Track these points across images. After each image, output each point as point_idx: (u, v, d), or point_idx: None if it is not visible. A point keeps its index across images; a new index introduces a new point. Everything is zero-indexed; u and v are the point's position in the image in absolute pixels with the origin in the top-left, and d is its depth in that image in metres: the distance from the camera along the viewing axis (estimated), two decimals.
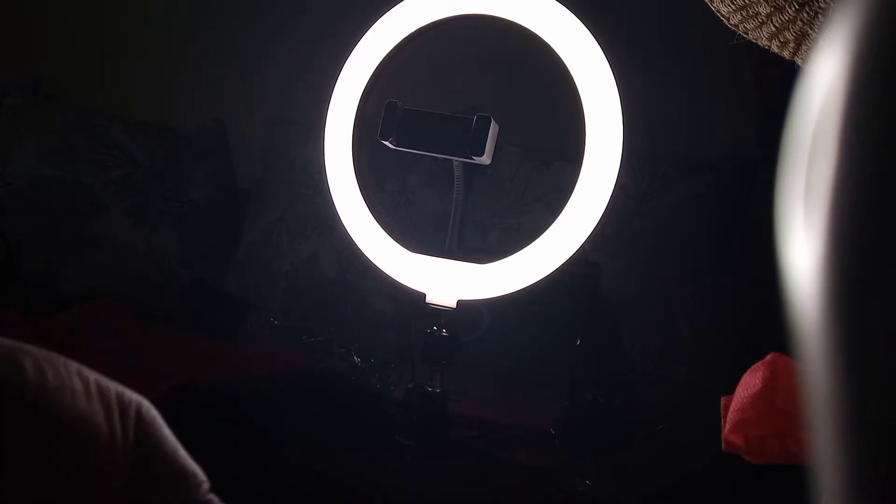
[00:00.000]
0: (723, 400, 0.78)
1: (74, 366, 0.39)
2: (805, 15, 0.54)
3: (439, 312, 1.06)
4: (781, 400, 0.73)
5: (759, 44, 0.59)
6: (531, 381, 1.28)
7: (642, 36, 1.44)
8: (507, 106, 1.30)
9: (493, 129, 1.00)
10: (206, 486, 0.42)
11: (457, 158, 1.02)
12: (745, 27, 0.58)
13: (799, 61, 0.58)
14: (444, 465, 1.11)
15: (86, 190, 1.68)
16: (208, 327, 1.56)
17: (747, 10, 0.57)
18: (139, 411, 0.41)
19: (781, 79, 1.22)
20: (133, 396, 0.41)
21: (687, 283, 1.32)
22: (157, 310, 1.59)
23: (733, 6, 0.57)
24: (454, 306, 1.05)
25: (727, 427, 0.76)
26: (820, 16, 0.54)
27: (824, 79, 0.22)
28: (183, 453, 0.42)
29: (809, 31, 0.55)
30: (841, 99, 0.21)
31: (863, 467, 0.21)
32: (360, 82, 1.10)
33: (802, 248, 0.22)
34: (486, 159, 1.00)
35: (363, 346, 1.42)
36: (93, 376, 0.40)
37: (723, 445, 0.77)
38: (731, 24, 0.59)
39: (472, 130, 0.99)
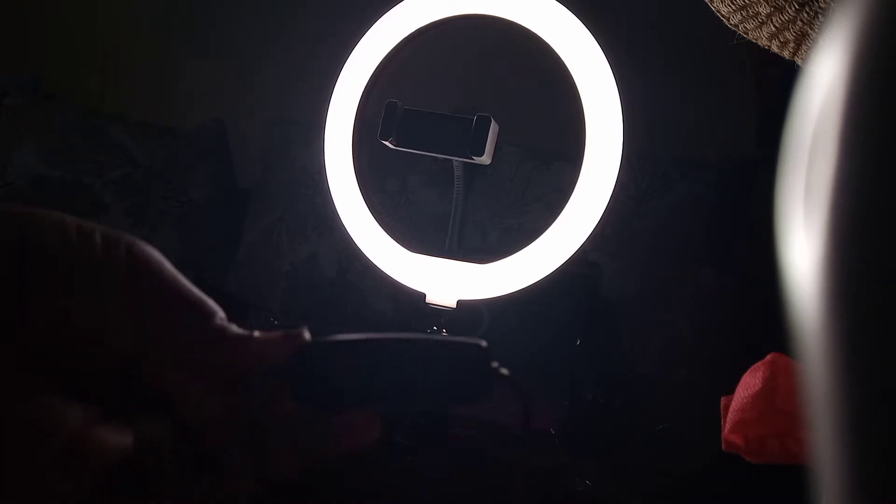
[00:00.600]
0: (723, 400, 0.78)
1: (54, 217, 0.38)
2: (805, 15, 0.54)
3: (439, 312, 1.06)
4: (781, 400, 0.73)
5: (759, 44, 0.59)
6: (531, 381, 1.28)
7: (642, 36, 1.44)
8: (507, 106, 1.30)
9: (493, 129, 1.00)
10: (219, 314, 0.39)
11: (457, 158, 1.02)
12: (745, 27, 0.58)
13: (799, 61, 0.58)
14: (443, 465, 1.11)
15: (86, 190, 1.68)
16: None
17: (747, 10, 0.57)
18: (129, 248, 0.39)
19: (781, 79, 1.22)
20: (124, 236, 0.39)
21: (687, 283, 1.32)
22: None
23: (733, 6, 0.57)
24: (454, 306, 1.05)
25: (727, 427, 0.76)
26: (820, 16, 0.54)
27: (824, 79, 0.22)
28: (186, 284, 0.39)
29: (809, 31, 0.55)
30: (841, 99, 0.21)
31: (863, 467, 0.21)
32: (360, 82, 1.10)
33: (802, 248, 0.22)
34: (486, 159, 1.00)
35: None
36: (74, 222, 0.38)
37: (723, 445, 0.76)
38: (731, 24, 0.59)
39: (472, 130, 0.99)
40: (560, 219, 1.00)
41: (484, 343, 0.38)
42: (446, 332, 1.06)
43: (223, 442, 0.37)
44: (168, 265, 0.39)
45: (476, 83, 1.60)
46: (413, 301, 1.07)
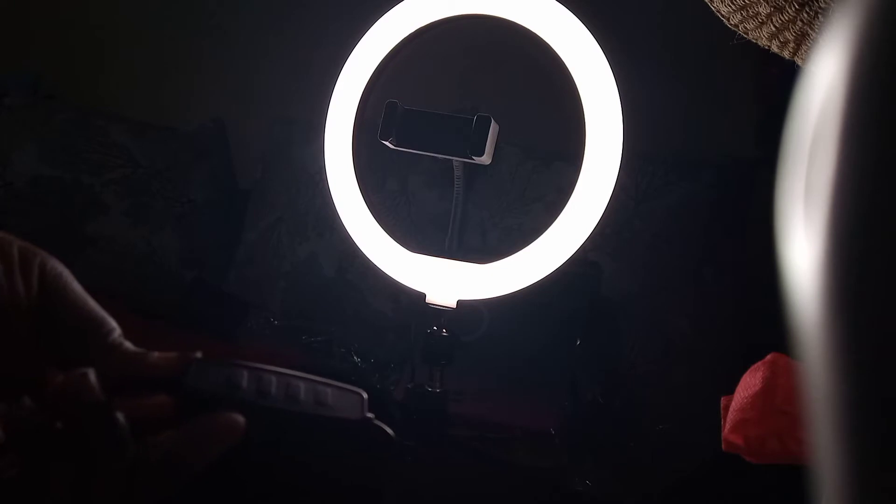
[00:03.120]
0: (723, 400, 0.78)
1: None
2: (805, 15, 0.54)
3: (439, 312, 1.06)
4: (781, 400, 0.73)
5: (759, 44, 0.59)
6: (531, 381, 1.28)
7: (642, 36, 1.44)
8: (507, 106, 1.30)
9: (493, 129, 1.00)
10: (117, 331, 0.43)
11: (457, 158, 1.02)
12: (745, 27, 0.58)
13: (799, 61, 0.58)
14: (444, 465, 1.11)
15: (86, 190, 1.68)
16: (208, 327, 1.56)
17: (747, 10, 0.57)
18: (43, 265, 0.42)
19: (781, 79, 1.22)
20: (39, 252, 0.42)
21: (687, 283, 1.32)
22: (157, 310, 1.59)
23: (733, 6, 0.57)
24: (454, 306, 1.05)
25: (727, 427, 0.76)
26: (820, 16, 0.54)
27: (824, 79, 0.22)
28: (92, 303, 0.43)
29: (809, 31, 0.55)
30: (841, 99, 0.21)
31: (863, 467, 0.21)
32: (360, 82, 1.10)
33: (802, 248, 0.22)
34: (486, 159, 1.00)
35: (363, 346, 1.42)
36: None
37: (723, 445, 0.76)
38: (731, 24, 0.59)
39: (472, 130, 0.99)
40: (560, 219, 1.00)
41: (369, 414, 0.40)
42: (446, 333, 1.06)
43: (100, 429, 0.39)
44: (75, 284, 0.43)
45: (476, 83, 1.60)
46: (413, 301, 1.07)
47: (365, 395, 0.41)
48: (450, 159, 1.03)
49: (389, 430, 0.40)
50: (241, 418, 0.40)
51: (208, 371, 0.41)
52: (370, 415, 0.40)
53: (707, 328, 1.30)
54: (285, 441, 0.41)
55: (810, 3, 0.54)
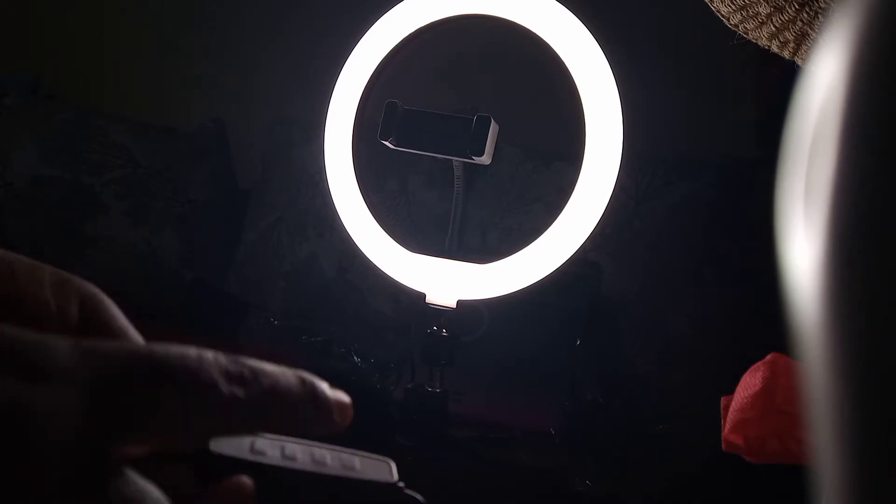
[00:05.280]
0: (723, 400, 0.78)
1: (8, 257, 0.37)
2: (805, 15, 0.54)
3: (439, 312, 1.06)
4: (781, 400, 0.73)
5: (759, 44, 0.59)
6: (531, 381, 1.28)
7: (642, 36, 1.44)
8: (507, 106, 1.30)
9: (493, 129, 1.00)
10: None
11: (457, 158, 1.02)
12: (745, 27, 0.58)
13: (799, 61, 0.58)
14: (444, 466, 1.11)
15: (86, 190, 1.68)
16: (208, 327, 1.56)
17: (747, 10, 0.57)
18: (80, 289, 0.39)
19: (781, 79, 1.22)
20: (74, 278, 0.39)
21: (687, 283, 1.32)
22: (157, 310, 1.59)
23: (733, 6, 0.57)
24: (454, 306, 1.05)
25: (727, 427, 0.76)
26: (820, 16, 0.54)
27: (824, 79, 0.22)
28: (133, 332, 0.40)
29: (809, 31, 0.55)
30: (841, 99, 0.21)
31: (863, 467, 0.21)
32: (360, 82, 1.10)
33: (802, 248, 0.22)
34: (486, 159, 1.00)
35: (363, 346, 1.42)
36: (26, 260, 0.38)
37: (723, 445, 0.76)
38: (731, 24, 0.59)
39: (472, 130, 0.99)
40: (560, 219, 1.01)
41: (399, 482, 0.39)
42: (446, 333, 1.06)
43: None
44: (116, 311, 0.39)
45: (476, 83, 1.60)
46: (413, 301, 1.07)
47: (393, 464, 0.40)
48: (450, 159, 1.03)
49: (420, 498, 0.40)
50: (248, 480, 0.38)
51: (230, 438, 0.39)
52: (401, 483, 0.39)
53: (707, 328, 1.30)
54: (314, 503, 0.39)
55: (810, 3, 0.54)
